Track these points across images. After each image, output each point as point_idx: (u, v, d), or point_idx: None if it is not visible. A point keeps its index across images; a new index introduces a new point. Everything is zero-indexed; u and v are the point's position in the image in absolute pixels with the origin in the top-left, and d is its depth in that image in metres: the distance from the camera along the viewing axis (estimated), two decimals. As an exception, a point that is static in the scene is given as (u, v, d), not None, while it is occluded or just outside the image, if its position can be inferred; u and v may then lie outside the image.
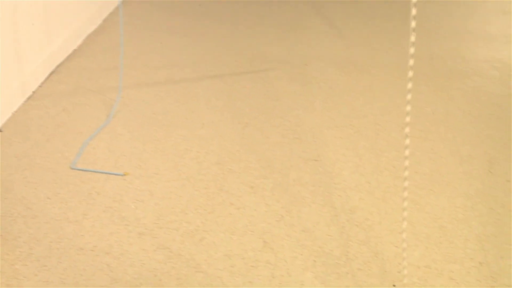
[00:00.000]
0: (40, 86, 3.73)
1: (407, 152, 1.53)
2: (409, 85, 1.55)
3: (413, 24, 1.53)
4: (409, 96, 1.56)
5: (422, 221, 2.73)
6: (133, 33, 4.61)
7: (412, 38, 1.54)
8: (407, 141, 1.52)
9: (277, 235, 2.61)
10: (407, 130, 1.49)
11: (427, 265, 2.49)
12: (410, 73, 1.54)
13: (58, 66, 4.00)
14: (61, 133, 3.28)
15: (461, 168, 3.10)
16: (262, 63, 4.21)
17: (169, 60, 4.22)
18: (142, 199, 2.80)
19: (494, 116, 3.60)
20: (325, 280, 2.39)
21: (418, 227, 2.69)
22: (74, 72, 3.96)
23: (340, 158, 3.15)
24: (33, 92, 3.66)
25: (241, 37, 4.63)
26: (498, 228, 2.70)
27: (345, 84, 3.94)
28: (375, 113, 3.59)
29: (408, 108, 1.56)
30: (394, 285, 2.38)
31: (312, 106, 3.64)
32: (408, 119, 1.50)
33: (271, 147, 3.21)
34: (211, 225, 2.66)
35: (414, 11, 1.51)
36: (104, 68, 4.02)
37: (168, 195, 2.83)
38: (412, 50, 1.57)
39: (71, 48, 4.23)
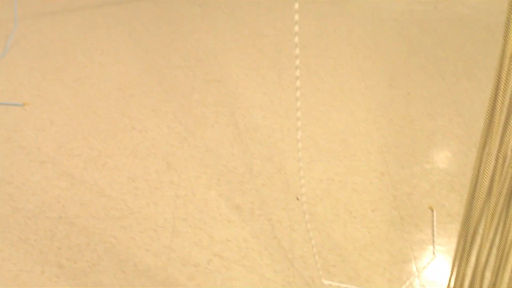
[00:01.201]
0: None
1: (297, 62, 1.54)
2: (297, -7, 1.54)
3: None
4: (296, 5, 1.56)
5: (325, 136, 2.76)
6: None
7: None
8: (297, 51, 1.52)
9: (180, 156, 2.61)
10: (296, 40, 1.49)
11: (330, 178, 2.53)
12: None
13: (-50, -2, 3.86)
14: (-45, 66, 3.18)
15: (362, 84, 3.13)
16: (162, -12, 4.15)
17: (67, -12, 4.11)
18: (43, 128, 2.75)
19: (395, 32, 3.64)
20: (229, 197, 2.41)
21: (321, 142, 2.72)
22: (-33, 3, 3.83)
23: (243, 78, 3.14)
24: None
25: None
26: (399, 139, 2.76)
27: (247, 5, 3.91)
28: (276, 32, 3.59)
29: (296, 17, 1.55)
30: (297, 198, 2.42)
31: (213, 29, 3.61)
32: (296, 28, 1.50)
33: (173, 71, 3.18)
34: (114, 149, 2.64)
35: None
36: (-2, -1, 3.90)
37: (69, 123, 2.79)
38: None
39: (-37, -21, 4.08)
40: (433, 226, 2.34)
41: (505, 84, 1.03)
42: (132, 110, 2.87)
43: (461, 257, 1.34)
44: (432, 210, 2.40)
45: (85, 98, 2.96)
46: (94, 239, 2.22)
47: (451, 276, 1.39)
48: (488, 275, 1.35)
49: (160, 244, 2.21)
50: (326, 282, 2.08)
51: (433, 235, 2.30)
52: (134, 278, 2.08)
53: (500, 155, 1.14)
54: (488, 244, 1.29)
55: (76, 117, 2.82)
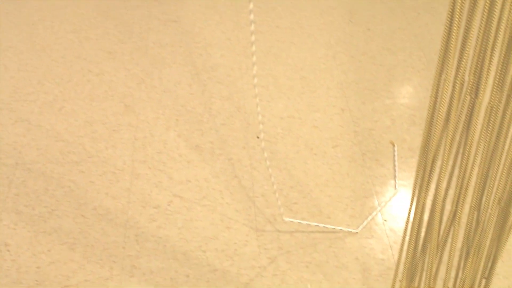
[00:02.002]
0: None
1: (252, -6, 1.49)
2: None
3: None
4: None
5: (284, 73, 2.73)
6: None
7: None
8: (251, -18, 1.48)
9: (138, 98, 2.57)
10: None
11: (290, 115, 2.51)
12: None
13: None
14: None
15: (321, 20, 3.10)
16: None
17: None
18: (-4, 74, 2.69)
19: (353, -33, 3.60)
20: (188, 137, 2.38)
21: (281, 79, 2.69)
22: None
23: (200, 17, 3.09)
24: None
25: None
26: (359, 75, 2.74)
27: None
28: (234, -29, 3.53)
29: None
30: (257, 137, 2.39)
31: (169, -32, 3.54)
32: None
33: (129, 12, 3.11)
34: (70, 93, 2.58)
35: None
36: None
37: (24, 67, 2.72)
38: None
39: None
40: (394, 160, 2.33)
41: (461, 6, 1.00)
42: (88, 53, 2.81)
43: (420, 187, 1.32)
44: (393, 145, 2.39)
45: (39, 42, 2.88)
46: (52, 184, 2.18)
47: (410, 206, 1.38)
48: (448, 207, 1.34)
49: (119, 187, 2.18)
50: (287, 219, 2.07)
51: (394, 170, 2.30)
52: (94, 222, 2.05)
53: (457, 81, 1.12)
54: (447, 173, 1.28)
55: (31, 62, 2.75)
